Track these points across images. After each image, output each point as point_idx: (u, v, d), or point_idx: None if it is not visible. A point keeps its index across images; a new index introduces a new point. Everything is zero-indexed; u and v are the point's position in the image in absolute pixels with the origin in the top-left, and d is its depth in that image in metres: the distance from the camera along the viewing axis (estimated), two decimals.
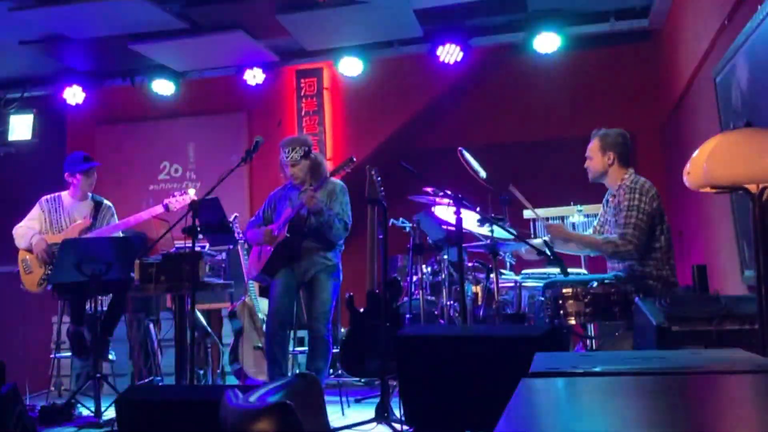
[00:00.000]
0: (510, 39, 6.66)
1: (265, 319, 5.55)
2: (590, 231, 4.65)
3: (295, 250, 4.76)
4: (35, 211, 5.49)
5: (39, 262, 5.35)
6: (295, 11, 5.84)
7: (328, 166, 6.88)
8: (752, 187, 2.58)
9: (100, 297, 5.06)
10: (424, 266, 5.63)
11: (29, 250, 5.36)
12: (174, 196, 5.56)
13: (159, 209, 5.47)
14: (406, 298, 5.65)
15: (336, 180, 4.90)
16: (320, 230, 4.75)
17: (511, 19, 6.42)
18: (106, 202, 5.64)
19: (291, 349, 5.13)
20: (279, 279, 4.80)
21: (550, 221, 4.95)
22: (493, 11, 6.31)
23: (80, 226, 5.39)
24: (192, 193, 5.59)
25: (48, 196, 5.54)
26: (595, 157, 4.41)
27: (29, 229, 5.40)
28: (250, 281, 5.62)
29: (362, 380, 5.74)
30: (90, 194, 5.60)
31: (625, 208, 4.18)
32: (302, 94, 7.44)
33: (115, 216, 5.62)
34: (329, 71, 7.37)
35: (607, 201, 4.50)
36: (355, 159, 4.76)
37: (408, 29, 6.19)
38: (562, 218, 5.95)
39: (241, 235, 5.72)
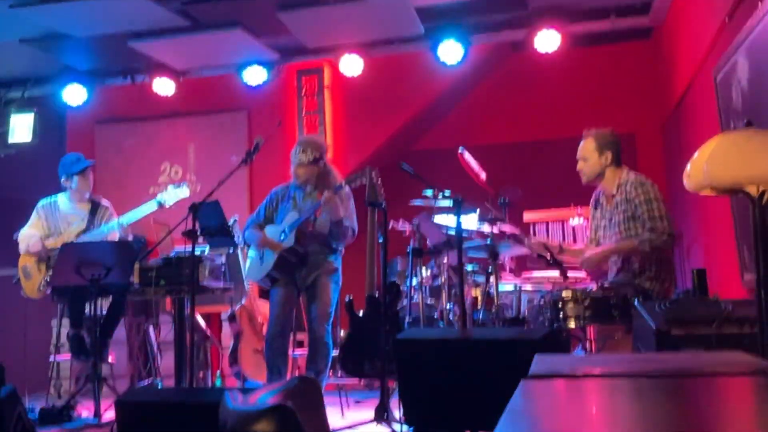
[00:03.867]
0: (510, 37, 6.65)
1: (264, 321, 5.56)
2: (587, 242, 4.57)
3: (301, 257, 4.75)
4: (33, 218, 5.48)
5: (38, 265, 5.36)
6: (295, 9, 5.83)
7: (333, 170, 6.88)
8: (752, 190, 2.57)
9: (99, 300, 5.05)
10: (423, 269, 5.62)
11: (29, 253, 5.37)
12: (166, 189, 5.47)
13: (153, 206, 5.37)
14: (405, 302, 5.64)
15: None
16: (329, 236, 4.74)
17: (511, 16, 6.41)
18: (103, 202, 5.60)
19: (291, 351, 5.13)
20: (280, 286, 4.80)
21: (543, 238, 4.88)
22: (494, 9, 6.31)
23: (76, 230, 5.39)
24: (186, 189, 5.48)
25: (44, 201, 5.52)
26: (591, 158, 4.29)
27: (30, 237, 5.39)
28: (250, 281, 5.62)
29: (362, 381, 5.73)
30: (88, 195, 5.56)
31: (644, 201, 4.11)
32: (303, 93, 7.43)
33: (114, 215, 5.58)
34: (330, 69, 7.35)
35: (600, 204, 4.42)
36: (372, 170, 4.59)
37: (409, 27, 6.18)
38: (562, 221, 5.95)
39: (239, 237, 5.70)
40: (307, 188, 4.86)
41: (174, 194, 5.40)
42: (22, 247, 5.40)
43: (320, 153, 4.81)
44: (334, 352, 5.00)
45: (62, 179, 5.47)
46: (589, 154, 4.30)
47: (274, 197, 4.99)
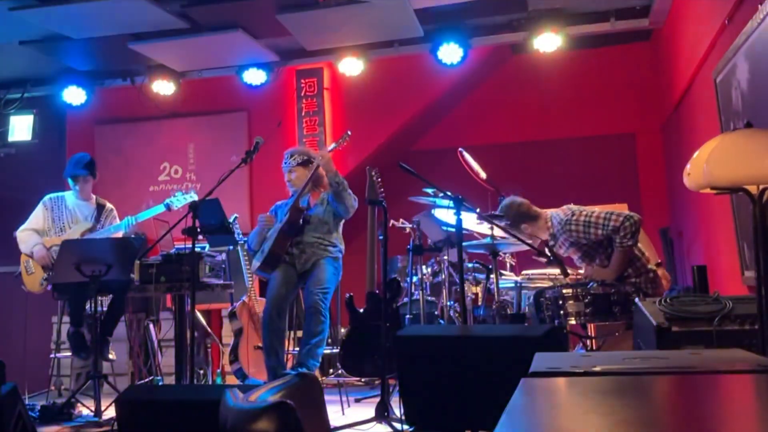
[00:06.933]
0: (510, 39, 6.65)
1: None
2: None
3: (299, 230, 4.81)
4: (39, 210, 5.49)
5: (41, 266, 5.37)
6: (295, 11, 5.83)
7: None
8: (752, 188, 2.58)
9: (100, 297, 5.07)
10: (424, 267, 5.63)
11: (31, 256, 5.38)
12: (174, 195, 5.58)
13: (161, 208, 5.52)
14: (406, 299, 5.64)
15: None
16: (335, 193, 4.84)
17: (511, 18, 6.42)
18: (108, 204, 5.67)
19: (291, 349, 5.14)
20: (279, 271, 4.85)
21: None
22: (494, 11, 6.31)
23: (82, 229, 5.40)
24: (194, 195, 5.62)
25: (52, 195, 5.55)
26: (521, 234, 4.53)
27: (32, 234, 5.40)
28: (251, 280, 5.64)
29: (362, 380, 5.74)
30: (94, 196, 5.62)
31: (583, 229, 4.30)
32: (302, 94, 7.43)
33: (117, 219, 5.65)
34: (329, 71, 7.36)
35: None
36: (350, 132, 4.95)
37: (408, 29, 6.18)
38: None
39: (241, 237, 5.74)
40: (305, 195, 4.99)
41: (182, 198, 5.51)
42: (22, 248, 5.41)
43: (308, 156, 5.02)
44: (335, 350, 5.01)
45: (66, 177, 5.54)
46: (517, 233, 4.54)
47: (274, 209, 5.16)
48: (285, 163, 5.05)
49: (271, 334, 4.77)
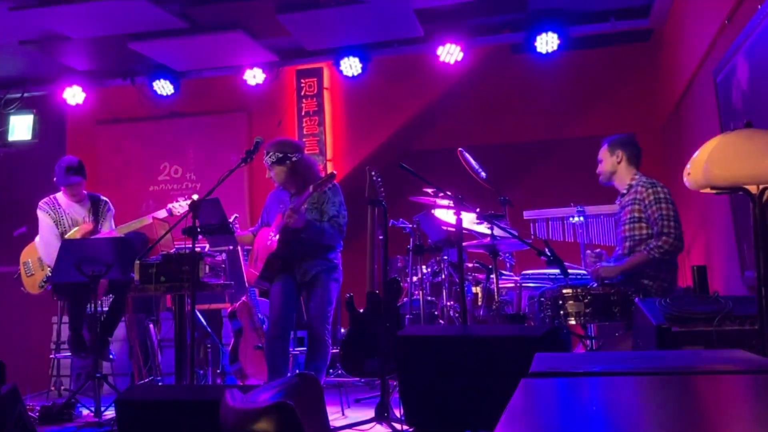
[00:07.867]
0: (510, 39, 6.65)
1: (264, 319, 5.56)
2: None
3: (287, 259, 4.74)
4: (44, 217, 5.43)
5: (41, 262, 5.36)
6: (295, 11, 5.84)
7: (328, 168, 6.87)
8: (752, 188, 2.58)
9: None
10: (424, 267, 5.63)
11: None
12: (178, 201, 5.58)
13: (162, 213, 5.51)
14: (406, 299, 5.64)
15: None
16: (312, 239, 4.73)
17: (511, 18, 6.42)
18: (102, 198, 5.64)
19: (291, 349, 5.14)
20: (278, 285, 4.78)
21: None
22: (494, 11, 6.31)
23: (84, 229, 5.39)
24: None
25: (46, 199, 5.51)
26: (605, 159, 4.48)
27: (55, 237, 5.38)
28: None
29: (362, 380, 5.73)
30: (85, 193, 5.58)
31: (654, 201, 4.19)
32: (302, 94, 7.44)
33: (113, 210, 5.61)
34: (329, 71, 7.37)
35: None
36: (336, 173, 4.73)
37: (408, 29, 6.19)
38: (562, 219, 5.95)
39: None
40: (294, 191, 4.85)
41: (184, 204, 5.51)
42: (49, 252, 5.33)
43: (282, 154, 4.75)
44: (335, 350, 4.99)
45: (55, 181, 5.52)
46: (603, 156, 4.50)
47: (268, 202, 5.06)
48: (264, 159, 4.85)
49: (275, 354, 4.73)
